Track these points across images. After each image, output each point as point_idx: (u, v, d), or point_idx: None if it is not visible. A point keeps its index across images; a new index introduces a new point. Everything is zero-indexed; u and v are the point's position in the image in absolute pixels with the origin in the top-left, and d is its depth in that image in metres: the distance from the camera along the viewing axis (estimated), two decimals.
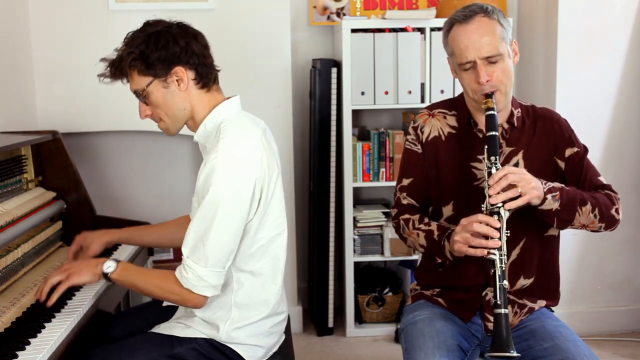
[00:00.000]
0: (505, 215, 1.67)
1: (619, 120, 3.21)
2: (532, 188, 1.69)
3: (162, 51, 1.68)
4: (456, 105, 1.95)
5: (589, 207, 1.78)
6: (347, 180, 3.24)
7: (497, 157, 1.72)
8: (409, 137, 1.98)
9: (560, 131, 1.90)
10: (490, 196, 1.68)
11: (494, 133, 1.74)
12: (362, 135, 3.46)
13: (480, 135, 1.88)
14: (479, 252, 1.66)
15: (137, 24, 1.75)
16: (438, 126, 1.93)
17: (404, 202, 1.96)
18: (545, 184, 1.75)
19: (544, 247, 1.91)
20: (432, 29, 3.17)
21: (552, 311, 1.96)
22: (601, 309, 3.32)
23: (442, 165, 1.91)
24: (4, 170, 2.15)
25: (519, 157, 1.86)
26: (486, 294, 1.86)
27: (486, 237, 1.65)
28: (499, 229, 1.65)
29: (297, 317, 3.35)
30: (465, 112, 1.92)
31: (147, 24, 1.74)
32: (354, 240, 3.29)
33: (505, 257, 1.65)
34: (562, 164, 1.88)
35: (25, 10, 2.96)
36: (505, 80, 1.79)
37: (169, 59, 1.69)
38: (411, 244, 1.92)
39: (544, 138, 1.89)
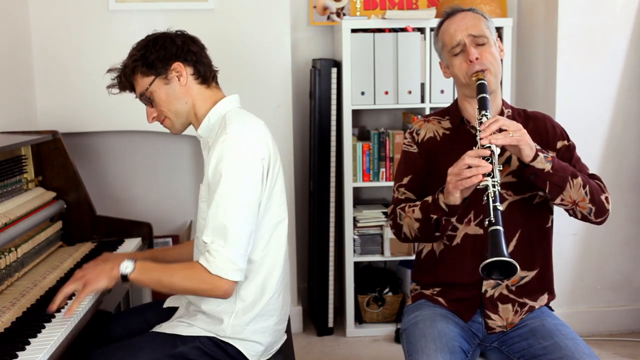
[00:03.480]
0: (496, 151, 1.66)
1: (619, 120, 3.21)
2: (523, 134, 1.71)
3: (160, 51, 1.79)
4: (449, 110, 2.03)
5: (580, 181, 1.77)
6: (347, 180, 3.24)
7: (488, 110, 1.74)
8: (405, 141, 2.04)
9: (552, 128, 1.95)
10: (481, 138, 1.68)
11: (484, 95, 1.77)
12: (362, 135, 3.46)
13: (473, 131, 1.89)
14: (474, 179, 1.62)
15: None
16: (433, 129, 2.00)
17: (402, 197, 1.97)
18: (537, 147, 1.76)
19: (540, 238, 1.92)
20: (432, 29, 3.15)
21: (552, 310, 1.97)
22: (601, 309, 3.32)
23: (438, 161, 1.92)
24: (4, 170, 2.15)
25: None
26: (486, 291, 1.87)
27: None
28: (489, 158, 1.64)
29: (297, 317, 3.35)
30: (457, 114, 1.98)
31: (148, 35, 1.85)
32: (354, 240, 3.28)
33: (498, 183, 1.62)
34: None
35: (25, 10, 2.96)
36: (495, 63, 1.85)
37: (168, 57, 1.78)
38: (406, 229, 1.88)
39: (535, 135, 1.87)
